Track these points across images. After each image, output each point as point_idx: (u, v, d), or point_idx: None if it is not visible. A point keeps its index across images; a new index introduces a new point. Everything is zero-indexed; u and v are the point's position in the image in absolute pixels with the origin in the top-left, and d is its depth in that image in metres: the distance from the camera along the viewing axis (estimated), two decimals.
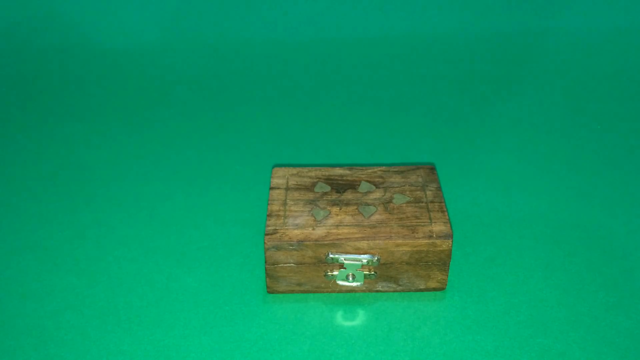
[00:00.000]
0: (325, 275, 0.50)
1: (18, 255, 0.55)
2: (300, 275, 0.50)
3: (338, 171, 0.56)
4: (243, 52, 0.86)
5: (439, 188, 0.54)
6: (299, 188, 0.54)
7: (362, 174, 0.55)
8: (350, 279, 0.50)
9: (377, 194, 0.53)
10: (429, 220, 0.50)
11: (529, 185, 0.63)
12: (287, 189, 0.54)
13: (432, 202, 0.52)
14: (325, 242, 0.49)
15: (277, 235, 0.49)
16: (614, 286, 0.52)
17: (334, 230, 0.49)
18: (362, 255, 0.49)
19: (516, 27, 0.90)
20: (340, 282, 0.50)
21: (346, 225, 0.50)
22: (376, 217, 0.51)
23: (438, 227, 0.50)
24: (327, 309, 0.50)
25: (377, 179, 0.55)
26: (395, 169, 0.56)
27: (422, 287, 0.51)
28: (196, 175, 0.65)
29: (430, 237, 0.49)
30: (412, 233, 0.49)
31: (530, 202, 0.61)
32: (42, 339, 0.48)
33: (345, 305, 0.51)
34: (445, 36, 0.89)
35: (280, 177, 0.55)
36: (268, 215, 0.51)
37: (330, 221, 0.50)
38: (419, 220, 0.50)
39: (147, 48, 0.87)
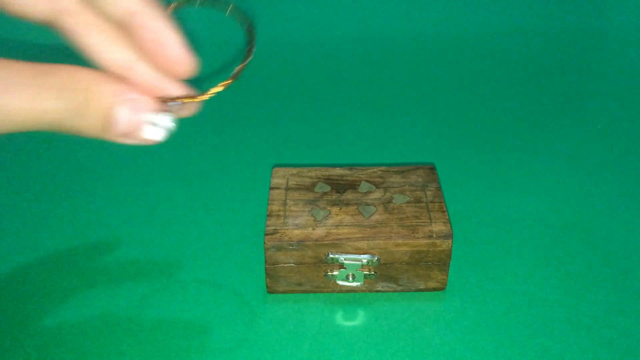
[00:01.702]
0: (325, 275, 0.50)
1: (18, 255, 0.55)
2: (300, 275, 0.50)
3: (338, 171, 0.56)
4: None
5: (439, 188, 0.54)
6: (299, 188, 0.54)
7: (362, 174, 0.55)
8: (350, 279, 0.50)
9: (377, 194, 0.53)
10: (429, 220, 0.50)
11: (529, 185, 0.63)
12: (287, 189, 0.54)
13: (432, 202, 0.52)
14: (325, 242, 0.49)
15: (277, 235, 0.49)
16: (614, 286, 0.52)
17: (334, 230, 0.49)
18: (362, 255, 0.49)
19: (517, 27, 0.90)
20: (340, 282, 0.50)
21: (346, 225, 0.50)
22: (376, 217, 0.51)
23: (438, 227, 0.50)
24: (327, 309, 0.50)
25: (377, 179, 0.55)
26: (395, 169, 0.56)
27: (422, 287, 0.51)
28: (196, 175, 0.65)
29: (430, 237, 0.49)
30: (412, 233, 0.49)
31: (530, 202, 0.61)
32: (42, 339, 0.48)
33: (345, 305, 0.51)
34: (445, 36, 0.89)
35: (280, 177, 0.55)
36: (268, 215, 0.51)
37: (330, 221, 0.50)
38: (419, 220, 0.50)
39: None
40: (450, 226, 0.50)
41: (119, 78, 0.35)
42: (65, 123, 0.34)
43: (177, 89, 0.37)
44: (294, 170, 0.56)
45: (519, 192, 0.63)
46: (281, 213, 0.51)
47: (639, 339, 0.48)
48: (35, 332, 0.48)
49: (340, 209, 0.51)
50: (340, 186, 0.54)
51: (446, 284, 0.51)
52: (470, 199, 0.62)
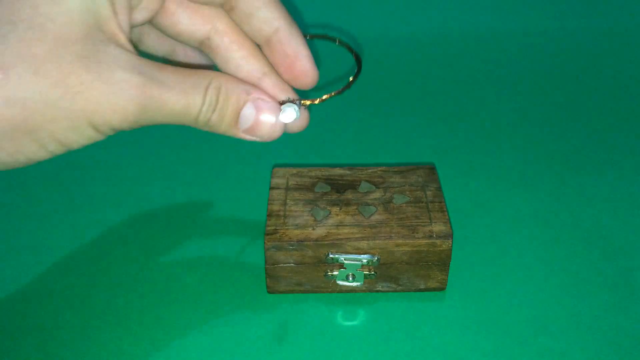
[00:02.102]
0: (325, 275, 0.50)
1: (18, 255, 0.55)
2: (300, 275, 0.50)
3: (338, 171, 0.56)
4: None
5: (439, 188, 0.54)
6: (299, 188, 0.54)
7: (362, 174, 0.55)
8: (350, 279, 0.50)
9: (377, 194, 0.53)
10: (429, 220, 0.50)
11: (529, 185, 0.63)
12: (287, 189, 0.54)
13: (432, 202, 0.52)
14: (325, 242, 0.49)
15: (277, 235, 0.49)
16: (614, 286, 0.52)
17: (334, 230, 0.49)
18: (362, 255, 0.49)
19: (516, 27, 0.90)
20: (340, 282, 0.50)
21: (346, 225, 0.50)
22: (376, 217, 0.51)
23: (438, 227, 0.50)
24: (327, 309, 0.50)
25: (377, 179, 0.55)
26: (395, 169, 0.56)
27: (422, 287, 0.51)
28: (196, 175, 0.65)
29: (430, 237, 0.49)
30: (412, 233, 0.49)
31: (530, 202, 0.61)
32: (42, 339, 0.48)
33: (345, 305, 0.51)
34: (446, 36, 0.89)
35: (280, 177, 0.55)
36: (268, 215, 0.51)
37: (330, 221, 0.50)
38: (419, 220, 0.50)
39: None
40: (450, 226, 0.50)
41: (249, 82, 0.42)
42: (203, 117, 0.40)
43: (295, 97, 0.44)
44: (294, 170, 0.56)
45: (519, 192, 0.63)
46: (281, 213, 0.51)
47: (639, 339, 0.48)
48: (35, 332, 0.48)
49: (340, 209, 0.51)
50: (340, 186, 0.54)
51: (446, 284, 0.51)
52: (470, 199, 0.62)
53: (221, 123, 0.41)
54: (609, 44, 0.88)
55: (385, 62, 0.85)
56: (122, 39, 0.37)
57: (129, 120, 0.37)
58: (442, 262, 0.50)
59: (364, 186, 0.54)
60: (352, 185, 0.54)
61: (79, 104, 0.35)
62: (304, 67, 0.43)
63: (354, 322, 0.49)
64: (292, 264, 0.50)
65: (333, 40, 0.47)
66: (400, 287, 0.51)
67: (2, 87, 0.33)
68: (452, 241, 0.49)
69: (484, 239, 0.57)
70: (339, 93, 0.44)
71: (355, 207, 0.52)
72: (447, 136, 0.71)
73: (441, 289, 0.51)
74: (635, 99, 0.78)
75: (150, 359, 0.46)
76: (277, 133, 0.43)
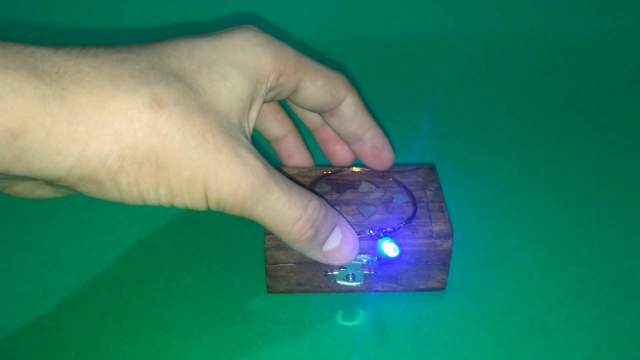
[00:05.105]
0: (325, 275, 0.50)
1: (18, 255, 0.55)
2: (300, 275, 0.50)
3: (338, 171, 0.56)
4: None
5: (439, 188, 0.54)
6: None
7: (362, 174, 0.55)
8: (350, 278, 0.50)
9: (377, 194, 0.53)
10: (429, 220, 0.50)
11: (529, 185, 0.63)
12: None
13: (432, 202, 0.52)
14: None
15: None
16: (614, 286, 0.52)
17: None
18: (362, 255, 0.49)
19: (516, 27, 0.90)
20: (340, 282, 0.50)
21: None
22: (376, 217, 0.51)
23: (438, 227, 0.50)
24: (327, 309, 0.50)
25: (377, 179, 0.55)
26: (395, 169, 0.56)
27: (422, 287, 0.51)
28: None
29: (431, 237, 0.49)
30: (412, 233, 0.49)
31: (530, 202, 0.61)
32: (42, 339, 0.48)
33: (345, 305, 0.51)
34: (446, 36, 0.89)
35: None
36: None
37: None
38: (419, 220, 0.50)
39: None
40: (450, 226, 0.50)
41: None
42: (299, 229, 0.43)
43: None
44: (294, 170, 0.56)
45: (519, 192, 0.63)
46: None
47: (639, 339, 0.48)
48: (35, 332, 0.48)
49: (340, 209, 0.51)
50: (340, 186, 0.54)
51: (446, 284, 0.51)
52: (470, 199, 0.62)
53: (312, 240, 0.44)
54: (609, 44, 0.88)
55: (385, 62, 0.85)
56: (248, 133, 0.42)
57: (235, 197, 0.40)
58: (442, 262, 0.50)
59: (364, 186, 0.54)
60: (352, 185, 0.54)
61: (205, 160, 0.38)
62: (388, 155, 0.53)
63: (354, 322, 0.49)
64: (292, 264, 0.50)
65: (398, 183, 0.54)
66: (400, 287, 0.51)
67: (153, 119, 0.37)
68: (452, 241, 0.49)
69: (484, 239, 0.57)
70: (407, 223, 0.50)
71: (355, 207, 0.52)
72: (447, 136, 0.71)
73: (441, 289, 0.51)
74: (636, 99, 0.78)
75: (151, 359, 0.46)
76: (349, 260, 0.47)
